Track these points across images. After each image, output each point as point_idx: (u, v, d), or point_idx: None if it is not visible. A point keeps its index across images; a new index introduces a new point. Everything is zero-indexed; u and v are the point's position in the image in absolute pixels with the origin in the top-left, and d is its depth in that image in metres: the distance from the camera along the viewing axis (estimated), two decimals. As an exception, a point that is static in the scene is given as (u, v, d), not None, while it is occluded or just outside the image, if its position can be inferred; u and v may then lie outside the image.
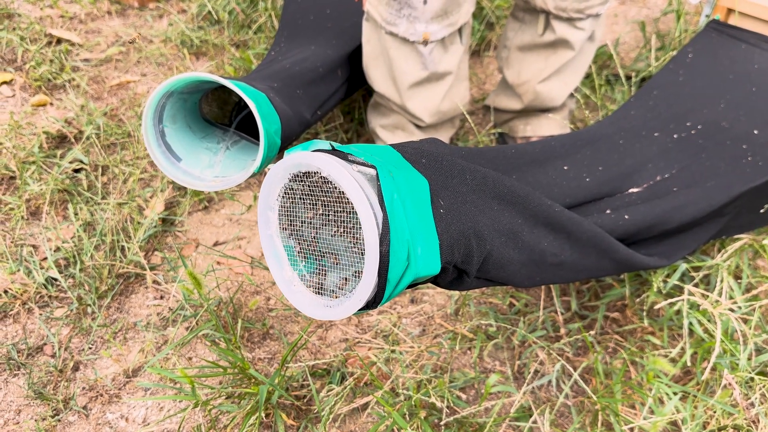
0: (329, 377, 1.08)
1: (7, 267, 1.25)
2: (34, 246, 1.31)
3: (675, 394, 0.94)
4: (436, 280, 0.71)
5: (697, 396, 0.91)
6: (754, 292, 1.03)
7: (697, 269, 1.12)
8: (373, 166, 0.61)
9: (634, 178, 0.97)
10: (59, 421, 1.04)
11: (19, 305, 1.21)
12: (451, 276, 0.71)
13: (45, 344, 1.16)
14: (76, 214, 1.36)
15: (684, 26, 1.73)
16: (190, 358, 1.13)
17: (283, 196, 0.67)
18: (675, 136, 1.06)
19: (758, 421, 0.94)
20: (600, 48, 1.85)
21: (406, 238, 0.60)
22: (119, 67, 1.89)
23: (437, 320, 1.19)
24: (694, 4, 1.57)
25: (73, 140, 1.57)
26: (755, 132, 1.09)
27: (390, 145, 0.70)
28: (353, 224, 0.62)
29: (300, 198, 0.66)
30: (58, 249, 1.29)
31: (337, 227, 0.63)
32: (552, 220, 0.78)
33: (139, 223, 1.33)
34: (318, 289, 0.66)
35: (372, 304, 0.62)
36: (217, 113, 1.08)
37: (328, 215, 0.64)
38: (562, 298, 1.19)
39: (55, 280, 1.24)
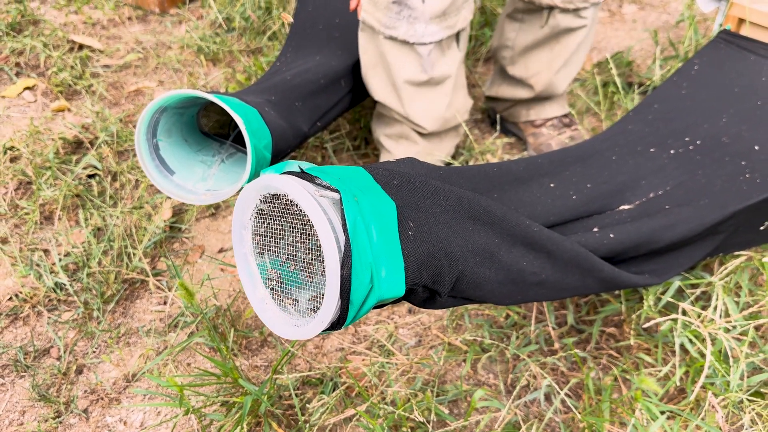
0: (322, 386, 1.09)
1: (18, 271, 1.29)
2: (45, 250, 1.35)
3: (663, 413, 0.93)
4: (408, 300, 0.72)
5: (682, 416, 0.90)
6: (750, 310, 1.01)
7: (695, 286, 1.11)
8: (337, 190, 0.62)
9: (625, 195, 0.96)
10: (60, 423, 1.08)
11: (29, 308, 1.25)
12: (423, 296, 0.71)
13: (51, 347, 1.20)
14: (86, 219, 1.40)
15: (696, 35, 1.70)
16: (189, 364, 1.15)
17: (255, 216, 0.68)
18: (672, 151, 1.05)
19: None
20: (616, 54, 1.84)
21: (368, 262, 0.61)
22: (138, 73, 1.94)
23: (434, 331, 1.20)
24: (706, 11, 1.55)
25: (88, 146, 1.61)
26: (756, 148, 1.07)
27: (363, 166, 0.71)
28: (318, 247, 0.63)
29: (271, 218, 0.67)
30: (68, 254, 1.33)
31: (304, 249, 0.65)
32: (531, 239, 0.78)
33: (145, 229, 1.36)
34: (287, 308, 0.67)
35: (337, 324, 0.63)
36: (216, 125, 1.10)
37: (296, 237, 0.65)
38: (560, 311, 1.19)
39: (64, 284, 1.28)
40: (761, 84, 1.21)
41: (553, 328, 1.12)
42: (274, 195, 0.65)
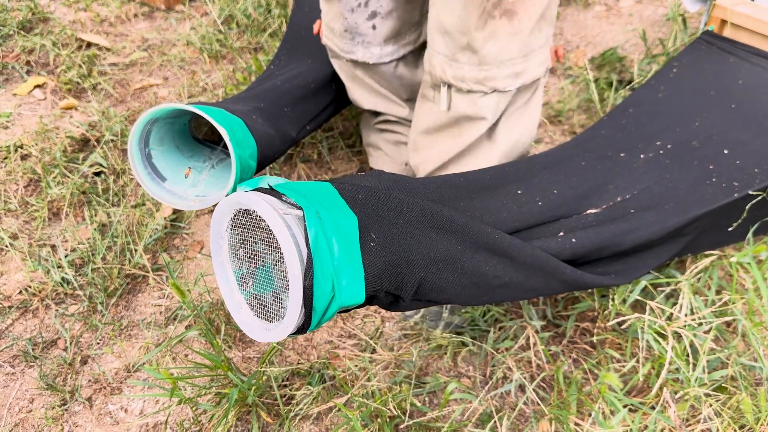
0: (309, 377, 1.16)
1: (28, 266, 1.37)
2: (53, 246, 1.43)
3: (625, 406, 0.99)
4: (372, 304, 0.78)
5: (642, 409, 0.96)
6: (714, 308, 1.06)
7: (666, 284, 1.15)
8: (300, 207, 0.68)
9: (592, 200, 1.01)
10: (66, 410, 1.16)
11: (38, 302, 1.33)
12: (386, 300, 0.77)
13: (58, 339, 1.27)
14: (92, 216, 1.47)
15: (685, 32, 1.72)
16: (186, 356, 1.22)
17: (231, 228, 0.74)
18: (642, 156, 1.09)
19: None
20: (609, 51, 1.86)
21: (330, 273, 0.67)
22: (143, 70, 2.00)
23: (418, 324, 1.26)
24: (692, 11, 1.57)
25: (95, 144, 1.68)
26: (725, 152, 1.11)
27: (331, 181, 0.76)
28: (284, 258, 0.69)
29: (245, 231, 0.73)
30: (74, 250, 1.41)
31: (273, 259, 0.71)
32: (492, 246, 0.83)
33: (147, 226, 1.43)
34: (260, 313, 0.73)
35: (302, 329, 0.69)
36: (209, 131, 1.16)
37: (266, 248, 0.71)
38: (540, 306, 1.24)
39: (70, 279, 1.35)
40: (737, 87, 1.25)
41: (529, 323, 1.17)
42: (245, 210, 0.71)
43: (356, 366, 1.15)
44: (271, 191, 0.70)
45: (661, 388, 1.00)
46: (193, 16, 2.22)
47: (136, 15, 2.25)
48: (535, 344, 1.14)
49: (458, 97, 1.06)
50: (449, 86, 1.05)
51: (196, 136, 1.14)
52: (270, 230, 0.69)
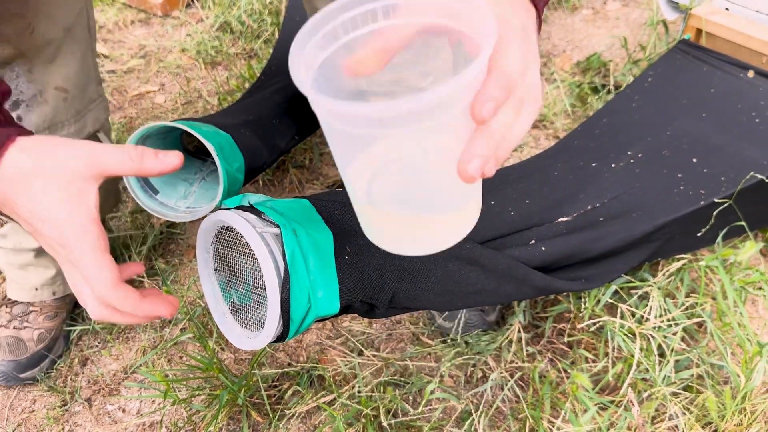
0: (298, 378, 1.21)
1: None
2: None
3: (596, 404, 1.04)
4: (348, 313, 0.83)
5: (611, 408, 1.01)
6: (679, 311, 1.11)
7: (638, 288, 1.21)
8: (278, 225, 0.73)
9: (563, 208, 1.06)
10: (66, 410, 1.21)
11: (39, 306, 1.38)
12: (362, 309, 0.83)
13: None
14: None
15: (666, 38, 1.77)
16: (181, 357, 1.28)
17: (216, 242, 0.79)
18: (613, 165, 1.14)
19: None
20: (593, 56, 1.91)
21: (306, 286, 0.72)
22: (140, 77, 2.05)
23: (406, 324, 1.31)
24: (670, 19, 1.62)
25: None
26: (694, 161, 1.16)
27: (309, 198, 0.82)
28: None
29: (228, 246, 0.78)
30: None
31: (253, 273, 0.76)
32: (464, 256, 0.89)
33: (143, 231, 1.49)
34: (242, 322, 0.79)
35: (281, 337, 0.74)
36: (199, 143, 1.21)
37: (247, 262, 0.76)
38: (518, 305, 1.29)
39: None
40: (709, 96, 1.29)
41: (500, 319, 1.23)
42: (227, 227, 0.76)
43: (346, 365, 1.20)
44: (251, 209, 0.76)
45: (630, 388, 1.06)
46: (189, 23, 2.26)
47: (133, 22, 2.31)
48: (508, 345, 1.19)
49: None
50: None
51: (188, 149, 1.19)
52: (249, 246, 0.75)
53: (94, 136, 1.12)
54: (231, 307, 0.80)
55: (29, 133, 0.63)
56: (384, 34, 0.49)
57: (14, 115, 0.98)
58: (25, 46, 0.96)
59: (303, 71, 0.47)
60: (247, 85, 1.87)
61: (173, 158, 0.64)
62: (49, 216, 0.59)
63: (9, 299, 1.29)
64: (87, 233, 0.59)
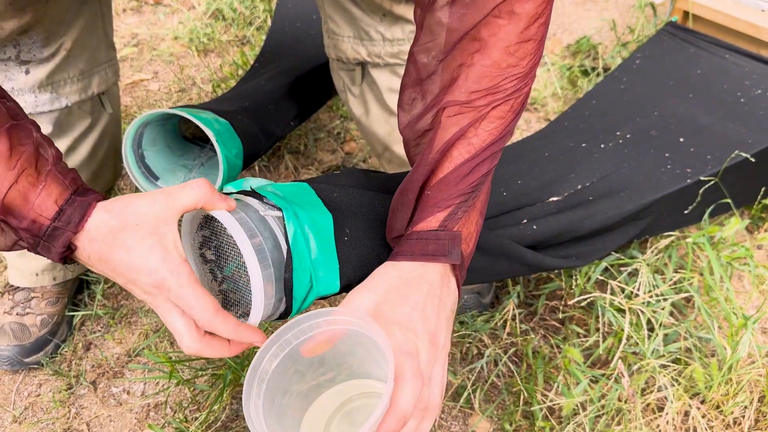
0: (298, 358, 1.24)
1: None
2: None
3: (587, 377, 1.08)
4: (347, 292, 0.86)
5: (601, 380, 1.05)
6: (667, 286, 1.15)
7: (627, 264, 1.24)
8: (279, 208, 0.75)
9: (554, 188, 1.09)
10: (72, 393, 1.24)
11: (42, 293, 1.41)
12: (362, 288, 0.86)
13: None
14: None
15: (654, 20, 1.79)
16: (183, 340, 1.31)
17: (200, 231, 0.79)
18: (602, 146, 1.17)
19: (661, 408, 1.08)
20: (583, 38, 1.93)
21: (308, 266, 0.75)
22: (134, 65, 2.06)
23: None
24: (658, 2, 1.64)
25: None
26: (681, 140, 1.19)
27: (308, 181, 0.84)
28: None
29: (214, 234, 0.79)
30: (74, 242, 1.48)
31: (238, 259, 0.77)
32: (458, 236, 0.92)
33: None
34: (230, 306, 0.80)
35: (284, 315, 0.77)
36: (198, 129, 1.23)
37: (234, 250, 0.77)
38: (514, 286, 1.33)
39: (71, 270, 1.43)
40: (696, 76, 1.32)
41: (494, 300, 1.26)
42: (211, 217, 0.77)
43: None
44: (252, 193, 0.78)
45: (620, 361, 1.09)
46: (181, 10, 2.27)
47: (125, 10, 2.31)
48: (501, 322, 1.22)
49: (376, 71, 1.10)
50: (363, 65, 1.11)
51: (186, 135, 1.22)
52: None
53: (98, 99, 1.14)
54: (219, 293, 0.82)
55: (104, 196, 0.68)
56: (326, 332, 0.66)
57: (21, 70, 1.01)
58: (42, 13, 0.99)
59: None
60: (240, 72, 1.89)
61: (233, 203, 0.73)
62: (145, 264, 0.64)
63: (11, 285, 1.32)
64: (181, 271, 0.65)
